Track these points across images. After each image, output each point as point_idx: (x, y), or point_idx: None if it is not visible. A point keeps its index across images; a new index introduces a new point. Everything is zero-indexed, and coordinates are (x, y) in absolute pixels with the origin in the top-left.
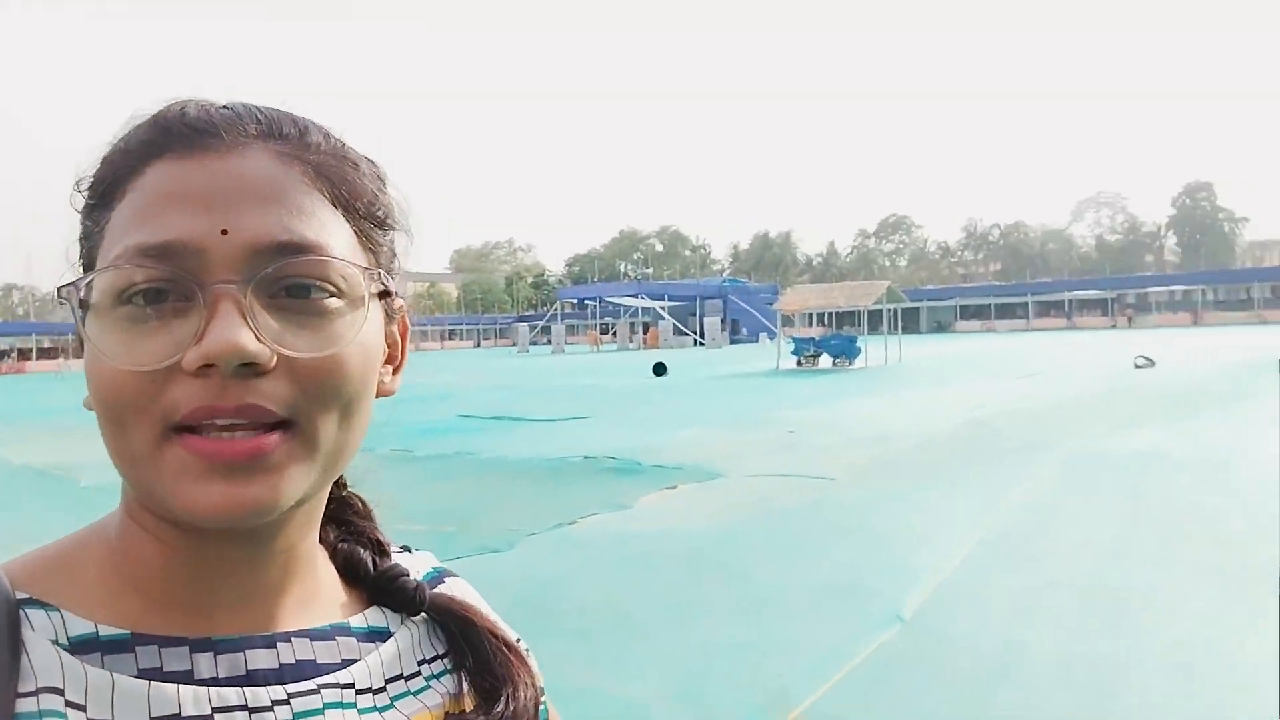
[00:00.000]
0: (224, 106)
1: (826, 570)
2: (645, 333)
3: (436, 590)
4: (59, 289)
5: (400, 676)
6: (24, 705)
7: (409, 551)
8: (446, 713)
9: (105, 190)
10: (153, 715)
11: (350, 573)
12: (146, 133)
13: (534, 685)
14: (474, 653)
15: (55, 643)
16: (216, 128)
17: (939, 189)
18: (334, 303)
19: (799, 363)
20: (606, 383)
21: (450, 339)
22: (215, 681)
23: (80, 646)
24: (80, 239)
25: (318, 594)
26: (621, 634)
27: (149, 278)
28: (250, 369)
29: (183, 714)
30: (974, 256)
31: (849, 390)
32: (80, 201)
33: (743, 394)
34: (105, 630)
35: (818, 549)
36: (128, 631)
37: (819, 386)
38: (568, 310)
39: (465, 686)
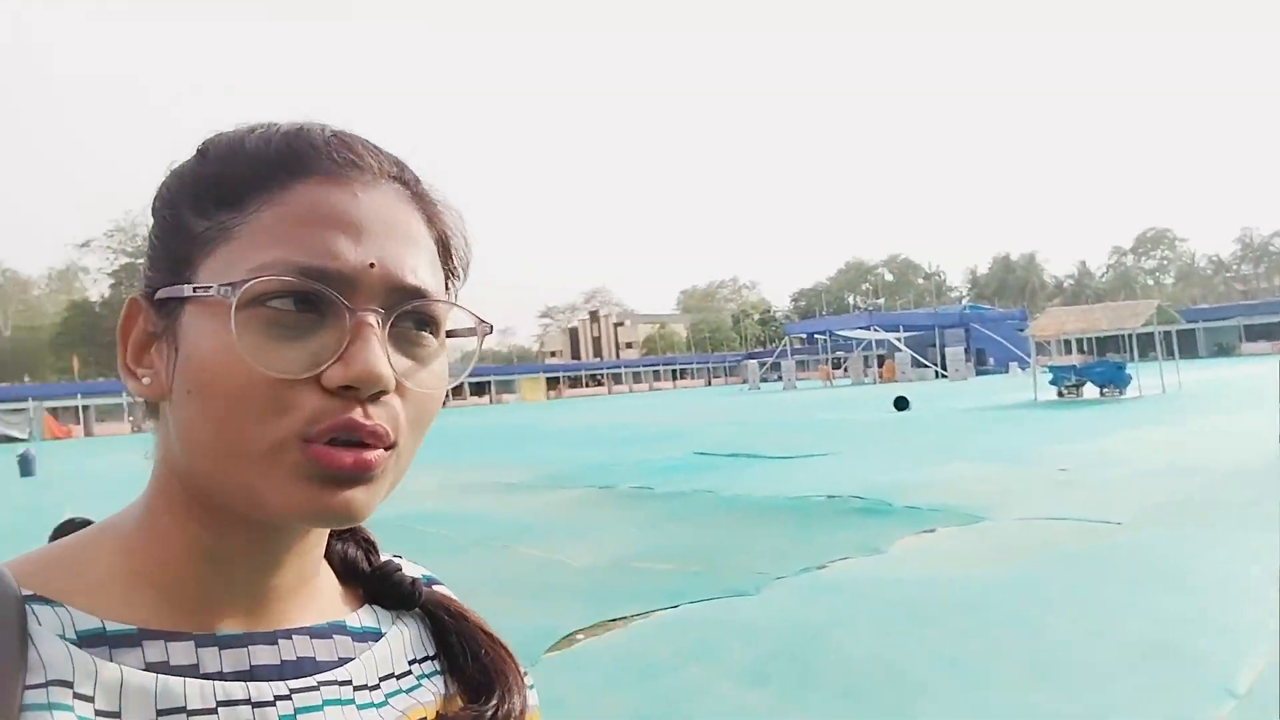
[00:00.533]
0: (346, 135)
1: (1128, 628)
2: (880, 366)
3: (429, 589)
4: (216, 286)
5: (393, 675)
6: (33, 696)
7: (400, 558)
8: (438, 713)
9: (235, 193)
10: (159, 708)
11: (348, 570)
12: (291, 148)
13: (523, 686)
14: (467, 648)
15: (62, 637)
16: (363, 160)
17: (1202, 197)
18: (435, 341)
19: (1060, 393)
20: (845, 418)
21: (681, 378)
22: (220, 676)
23: (87, 641)
24: (168, 230)
25: (318, 593)
26: (898, 694)
27: (304, 290)
28: (379, 394)
29: (188, 707)
30: (1254, 270)
31: (1124, 421)
32: (176, 196)
33: (999, 428)
34: (112, 625)
35: (1113, 603)
36: (134, 627)
37: (1088, 418)
38: (796, 346)
39: (455, 686)
